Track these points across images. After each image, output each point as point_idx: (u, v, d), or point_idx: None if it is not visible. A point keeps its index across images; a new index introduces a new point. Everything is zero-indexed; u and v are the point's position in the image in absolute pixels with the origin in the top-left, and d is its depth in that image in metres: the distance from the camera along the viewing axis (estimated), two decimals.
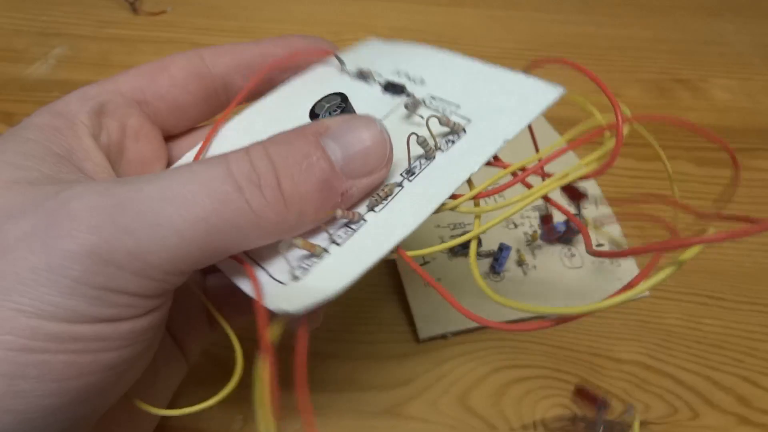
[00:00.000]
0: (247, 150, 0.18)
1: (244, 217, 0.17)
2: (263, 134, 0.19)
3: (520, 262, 0.36)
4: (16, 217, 0.16)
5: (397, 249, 0.19)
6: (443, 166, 0.20)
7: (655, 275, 0.17)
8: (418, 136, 0.20)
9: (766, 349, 0.34)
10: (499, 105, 0.22)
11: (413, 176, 0.20)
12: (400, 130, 0.22)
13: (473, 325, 0.33)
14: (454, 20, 0.55)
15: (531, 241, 0.37)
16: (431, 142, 0.20)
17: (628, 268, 0.36)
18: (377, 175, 0.19)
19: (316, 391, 0.31)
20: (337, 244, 0.19)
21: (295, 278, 0.19)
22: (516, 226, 0.38)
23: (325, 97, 0.21)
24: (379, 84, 0.25)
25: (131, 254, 0.16)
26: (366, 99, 0.24)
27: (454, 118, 0.21)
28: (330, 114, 0.20)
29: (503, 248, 0.34)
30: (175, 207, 0.16)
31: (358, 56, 0.27)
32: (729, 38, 0.53)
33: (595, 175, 0.20)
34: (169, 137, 0.25)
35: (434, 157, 0.21)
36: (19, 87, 0.44)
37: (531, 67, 0.23)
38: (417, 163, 0.20)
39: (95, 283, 0.16)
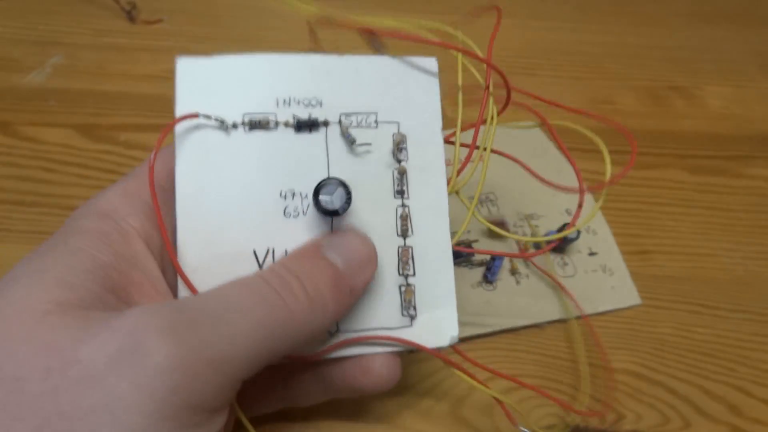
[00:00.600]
0: (270, 268, 0.21)
1: (286, 318, 0.19)
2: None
3: (513, 271, 0.36)
4: (95, 342, 0.16)
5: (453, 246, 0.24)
6: (419, 174, 0.24)
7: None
8: (396, 169, 0.24)
9: (758, 358, 0.34)
10: (404, 96, 0.24)
11: (406, 194, 0.24)
12: (348, 164, 0.23)
13: (465, 335, 0.33)
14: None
15: (524, 250, 0.37)
16: (400, 166, 0.24)
17: (621, 276, 0.37)
18: (371, 269, 0.22)
19: None
20: (413, 275, 0.24)
21: (414, 317, 0.24)
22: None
23: (323, 188, 0.21)
24: (283, 124, 0.23)
25: (212, 364, 0.17)
26: (290, 148, 0.23)
27: (384, 127, 0.24)
28: (348, 205, 0.22)
29: (496, 258, 0.35)
30: (240, 314, 0.18)
31: (207, 99, 0.23)
32: (723, 46, 0.54)
33: (503, 109, 0.26)
34: None
35: (406, 170, 0.24)
36: (16, 96, 0.44)
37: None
38: (398, 183, 0.24)
39: (180, 402, 0.16)
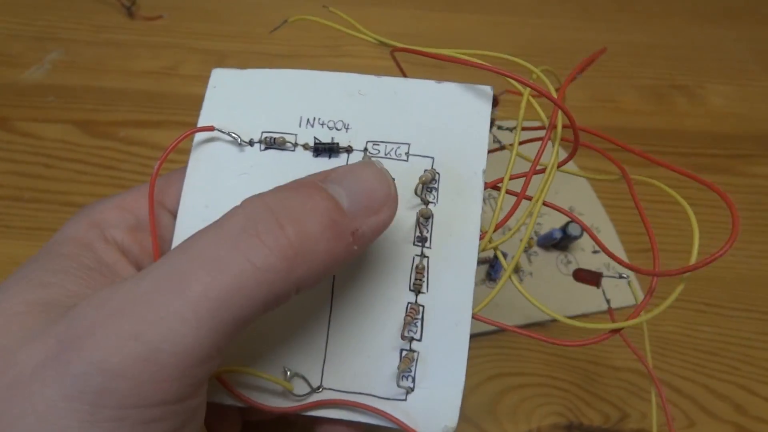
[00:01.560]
0: (241, 204, 0.17)
1: (246, 276, 0.15)
2: None
3: (517, 269, 0.36)
4: (29, 347, 0.16)
5: (473, 315, 0.20)
6: (448, 220, 0.20)
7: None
8: (419, 213, 0.20)
9: (762, 357, 0.33)
10: (445, 128, 0.21)
11: (428, 242, 0.20)
12: None
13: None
14: (452, 26, 0.55)
15: (527, 248, 0.37)
16: (425, 206, 0.20)
17: (625, 274, 0.36)
18: (385, 214, 0.18)
19: None
20: (418, 340, 0.20)
21: (411, 390, 0.20)
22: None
23: None
24: (302, 146, 0.21)
25: (145, 360, 0.15)
26: (304, 173, 0.20)
27: (416, 161, 0.21)
28: None
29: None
30: (174, 293, 0.15)
31: (231, 112, 0.22)
32: (726, 45, 0.53)
33: (566, 161, 0.21)
34: None
35: (432, 214, 0.20)
36: (15, 92, 0.44)
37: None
38: (420, 228, 0.20)
39: (113, 403, 0.15)
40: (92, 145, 0.41)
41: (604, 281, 0.36)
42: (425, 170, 0.20)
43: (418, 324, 0.20)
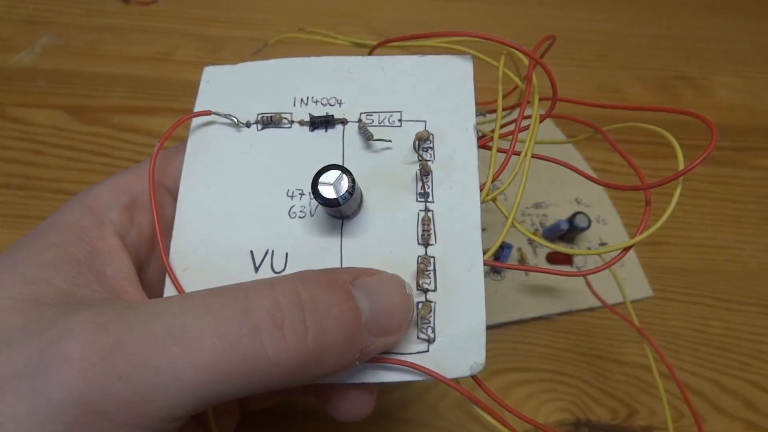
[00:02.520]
0: (273, 283, 0.16)
1: (257, 363, 0.15)
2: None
3: (522, 260, 0.35)
4: (12, 348, 0.15)
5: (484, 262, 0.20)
6: (447, 174, 0.21)
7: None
8: (419, 168, 0.21)
9: None
10: (433, 94, 0.22)
11: (431, 196, 0.21)
12: (366, 164, 0.21)
13: None
14: (454, 14, 0.54)
15: (532, 240, 0.36)
16: (422, 163, 0.21)
17: (632, 267, 0.35)
18: (395, 338, 0.18)
19: None
20: (433, 290, 0.20)
21: (432, 340, 0.19)
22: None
23: (324, 173, 0.19)
24: (297, 123, 0.22)
25: (125, 403, 0.14)
26: (303, 147, 0.21)
27: (409, 126, 0.22)
28: (350, 195, 0.18)
29: (504, 246, 0.33)
30: (181, 349, 0.15)
31: (225, 100, 0.23)
32: (732, 36, 0.53)
33: (546, 116, 0.23)
34: None
35: (432, 170, 0.21)
36: (4, 76, 0.43)
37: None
38: (421, 184, 0.21)
39: None
40: (84, 132, 0.40)
41: (616, 272, 0.35)
42: (419, 130, 0.21)
43: (431, 275, 0.20)
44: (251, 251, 0.21)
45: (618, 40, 0.52)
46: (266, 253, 0.21)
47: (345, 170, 0.19)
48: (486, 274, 0.34)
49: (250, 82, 0.23)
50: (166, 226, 0.21)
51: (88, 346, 0.14)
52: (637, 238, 0.20)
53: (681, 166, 0.20)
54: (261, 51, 0.28)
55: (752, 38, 0.52)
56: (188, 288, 0.20)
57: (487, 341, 0.32)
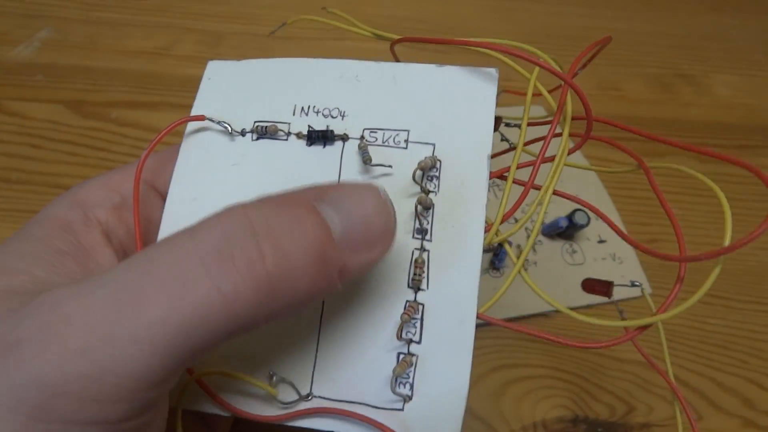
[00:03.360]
0: (218, 215, 0.15)
1: (212, 304, 0.13)
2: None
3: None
4: None
5: (478, 315, 0.18)
6: (450, 211, 0.18)
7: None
8: (418, 200, 0.18)
9: None
10: (447, 113, 0.19)
11: (429, 234, 0.18)
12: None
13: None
14: (453, 10, 0.53)
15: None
16: (422, 196, 0.18)
17: (631, 264, 0.35)
18: (378, 251, 0.16)
19: None
20: (417, 342, 0.18)
21: (408, 398, 0.18)
22: (516, 220, 0.37)
23: None
24: (294, 135, 0.20)
25: (86, 378, 0.13)
26: (298, 163, 0.20)
27: (415, 149, 0.19)
28: None
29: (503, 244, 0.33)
30: (129, 311, 0.13)
31: (225, 103, 0.21)
32: (732, 34, 0.53)
33: (577, 147, 0.20)
34: None
35: (433, 204, 0.19)
36: (2, 70, 0.43)
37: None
38: (420, 219, 0.18)
39: (52, 417, 0.13)
40: (82, 126, 0.40)
41: (615, 269, 0.35)
42: (426, 157, 0.19)
43: (417, 325, 0.18)
44: None
45: (618, 37, 0.52)
46: None
47: None
48: (484, 271, 0.34)
49: (252, 82, 0.21)
50: (154, 231, 0.21)
51: (41, 328, 0.14)
52: (665, 315, 0.19)
53: (727, 242, 0.17)
54: (279, 29, 0.26)
55: (752, 36, 0.52)
56: None
57: (486, 338, 0.32)
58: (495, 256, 0.34)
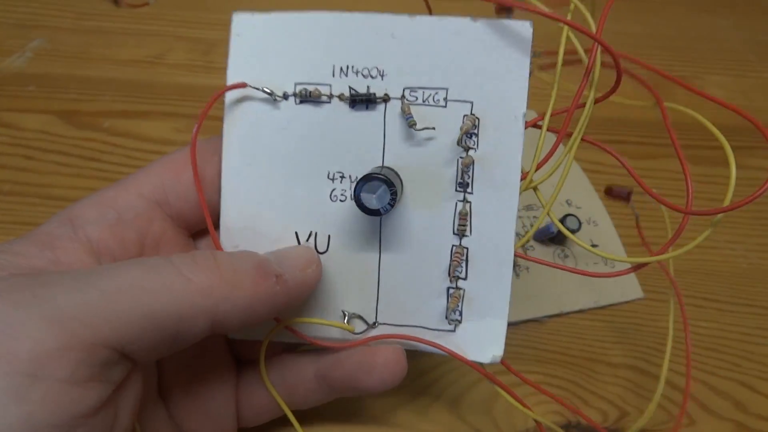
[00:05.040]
0: (192, 252, 0.19)
1: (175, 280, 0.17)
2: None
3: (513, 264, 0.35)
4: None
5: (515, 252, 0.21)
6: (489, 166, 0.21)
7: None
8: (460, 158, 0.21)
9: (763, 353, 0.33)
10: (484, 69, 0.20)
11: (470, 187, 0.21)
12: (408, 150, 0.21)
13: None
14: (447, 12, 0.54)
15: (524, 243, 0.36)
16: (467, 154, 0.21)
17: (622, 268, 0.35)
18: (311, 270, 0.21)
19: None
20: (464, 278, 0.21)
21: (458, 323, 0.22)
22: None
23: (366, 184, 0.19)
24: (337, 98, 0.21)
25: (50, 321, 0.15)
26: (344, 127, 0.21)
27: (454, 107, 0.21)
28: (392, 206, 0.19)
29: None
30: (102, 277, 0.17)
31: (260, 64, 0.21)
32: (724, 35, 0.53)
33: (612, 91, 0.21)
34: (198, 233, 0.24)
35: (473, 160, 0.21)
36: None
37: None
38: (462, 174, 0.21)
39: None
40: (75, 136, 0.40)
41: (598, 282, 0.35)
42: (464, 116, 0.20)
43: (464, 265, 0.21)
44: (296, 232, 0.22)
45: (610, 38, 0.52)
46: (310, 235, 0.22)
47: (388, 182, 0.19)
48: None
49: (286, 38, 0.21)
50: (150, 244, 0.21)
51: (29, 309, 0.15)
52: (663, 256, 0.21)
53: (728, 202, 0.19)
54: None
55: (744, 37, 0.52)
56: None
57: None
58: None
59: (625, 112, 0.46)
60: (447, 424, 0.29)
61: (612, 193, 0.34)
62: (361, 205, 0.19)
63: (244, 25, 0.21)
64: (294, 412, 0.25)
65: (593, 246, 0.36)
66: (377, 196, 0.19)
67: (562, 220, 0.34)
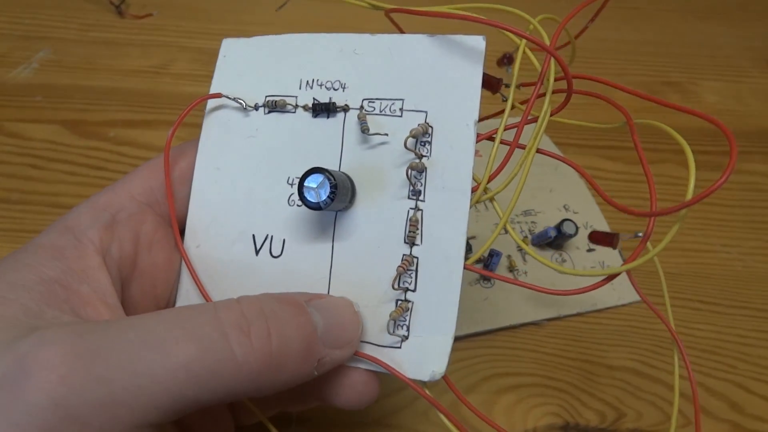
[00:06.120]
0: (238, 299, 0.18)
1: (226, 365, 0.16)
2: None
3: (511, 268, 0.35)
4: None
5: (465, 265, 0.20)
6: (441, 173, 0.21)
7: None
8: (410, 166, 0.20)
9: (759, 355, 0.33)
10: (438, 80, 0.21)
11: (422, 195, 0.21)
12: (363, 156, 0.21)
13: (463, 333, 0.32)
14: (443, 21, 0.54)
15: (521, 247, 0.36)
16: (417, 159, 0.21)
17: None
18: (347, 351, 0.20)
19: None
20: (413, 290, 0.20)
21: (405, 338, 0.20)
22: (506, 231, 0.37)
23: (309, 176, 0.19)
24: (301, 108, 0.22)
25: (101, 406, 0.15)
26: (305, 134, 0.22)
27: (409, 116, 0.21)
28: (332, 201, 0.19)
29: (494, 254, 0.34)
30: (157, 353, 0.16)
31: (239, 79, 0.23)
32: (718, 41, 0.53)
33: (562, 106, 0.22)
34: None
35: (426, 168, 0.21)
36: (1, 92, 0.43)
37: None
38: (414, 181, 0.21)
39: None
40: (81, 146, 0.41)
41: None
42: (418, 124, 0.21)
43: (413, 275, 0.20)
44: (253, 235, 0.22)
45: (605, 46, 0.53)
46: (266, 238, 0.22)
47: (328, 175, 0.19)
48: (476, 281, 0.34)
49: (262, 58, 0.23)
50: (144, 243, 0.22)
51: (68, 352, 0.15)
52: (632, 264, 0.20)
53: (690, 196, 0.19)
54: (285, 6, 0.28)
55: (738, 43, 0.53)
56: (199, 269, 0.22)
57: (478, 347, 0.33)
58: (485, 267, 0.34)
59: (619, 117, 0.47)
60: (447, 426, 0.30)
61: (594, 239, 0.31)
62: (302, 197, 0.19)
63: (230, 48, 0.24)
64: (296, 412, 0.25)
65: (589, 251, 0.37)
66: (317, 188, 0.19)
67: (560, 225, 0.35)
